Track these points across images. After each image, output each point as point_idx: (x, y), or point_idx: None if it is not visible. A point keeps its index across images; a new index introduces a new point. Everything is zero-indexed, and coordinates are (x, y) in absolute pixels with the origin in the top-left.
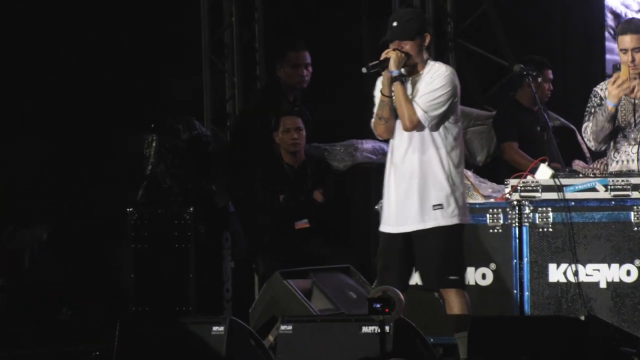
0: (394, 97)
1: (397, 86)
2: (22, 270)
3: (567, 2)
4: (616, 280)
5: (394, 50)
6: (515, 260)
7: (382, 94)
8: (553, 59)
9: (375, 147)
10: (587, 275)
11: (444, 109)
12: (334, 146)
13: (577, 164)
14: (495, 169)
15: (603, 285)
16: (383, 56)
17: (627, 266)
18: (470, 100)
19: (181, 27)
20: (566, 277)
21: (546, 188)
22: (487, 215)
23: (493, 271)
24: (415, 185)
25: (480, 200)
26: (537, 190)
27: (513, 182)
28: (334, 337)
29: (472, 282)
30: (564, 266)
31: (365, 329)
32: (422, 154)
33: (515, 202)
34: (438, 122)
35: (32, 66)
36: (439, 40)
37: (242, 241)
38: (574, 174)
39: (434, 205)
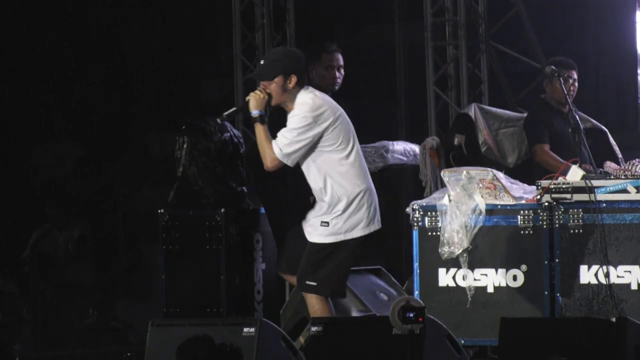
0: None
1: (257, 127)
2: (55, 271)
3: (598, 2)
4: None
5: (255, 91)
6: (546, 262)
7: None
8: (584, 59)
9: (406, 149)
10: (618, 276)
11: (300, 145)
12: (364, 148)
13: (609, 166)
14: (527, 171)
15: (634, 286)
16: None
17: None
18: (501, 101)
19: (213, 29)
20: (597, 279)
21: (577, 189)
22: (519, 216)
23: (524, 273)
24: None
25: (511, 201)
26: (568, 192)
27: (544, 183)
28: (365, 339)
29: (503, 284)
30: (595, 268)
31: (396, 331)
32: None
33: (546, 204)
34: (300, 157)
35: (66, 71)
36: (470, 42)
37: (273, 243)
38: (605, 175)
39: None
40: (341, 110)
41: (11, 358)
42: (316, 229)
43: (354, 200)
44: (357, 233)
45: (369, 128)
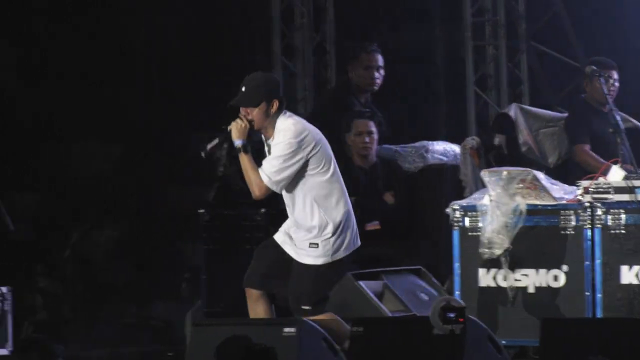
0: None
1: (242, 157)
2: (95, 271)
3: (638, 1)
4: None
5: (236, 120)
6: (587, 262)
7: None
8: (625, 59)
9: (446, 149)
10: None
11: (289, 172)
12: (405, 147)
13: None
14: (567, 171)
15: None
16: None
17: None
18: (541, 101)
19: (252, 28)
20: (638, 279)
21: (618, 190)
22: (559, 217)
23: (565, 273)
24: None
25: (552, 202)
26: (609, 192)
27: (585, 183)
28: (405, 339)
29: (544, 284)
30: (636, 268)
31: (436, 331)
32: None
33: (587, 204)
34: (287, 184)
35: (105, 68)
36: (510, 42)
37: None
38: None
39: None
40: (320, 134)
41: (55, 358)
42: (305, 251)
43: (340, 223)
44: (342, 254)
45: (409, 128)
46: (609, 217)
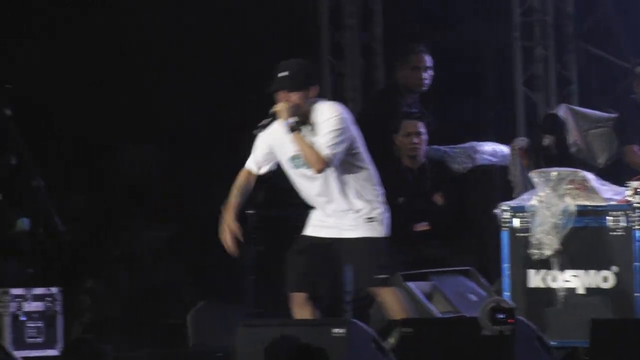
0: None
1: (296, 135)
2: (144, 271)
3: None
4: None
5: (280, 104)
6: (636, 263)
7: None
8: None
9: (495, 150)
10: None
11: (343, 146)
12: (453, 148)
13: None
14: (617, 172)
15: None
16: (272, 111)
17: None
18: (590, 102)
19: (301, 29)
20: None
21: None
22: (608, 217)
23: (615, 274)
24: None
25: (601, 202)
26: None
27: (634, 184)
28: (455, 340)
29: (593, 285)
30: None
31: (485, 332)
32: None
33: (636, 205)
34: (341, 159)
35: (153, 71)
36: (559, 42)
37: None
38: None
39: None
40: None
41: (104, 358)
42: (363, 227)
43: (383, 203)
44: (388, 232)
45: (457, 129)
46: None
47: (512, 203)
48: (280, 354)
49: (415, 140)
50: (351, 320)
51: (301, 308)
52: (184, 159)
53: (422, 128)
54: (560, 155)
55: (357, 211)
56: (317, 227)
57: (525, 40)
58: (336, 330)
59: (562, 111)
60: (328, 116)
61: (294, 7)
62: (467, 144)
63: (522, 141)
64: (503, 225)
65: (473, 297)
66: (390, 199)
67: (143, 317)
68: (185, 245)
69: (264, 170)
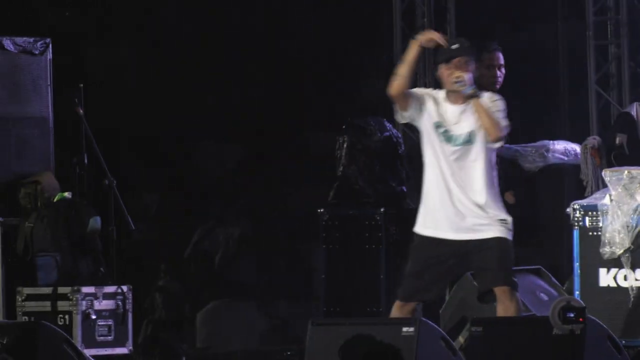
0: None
1: (476, 103)
2: (216, 270)
3: None
4: None
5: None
6: None
7: (416, 44)
8: None
9: (567, 148)
10: None
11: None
12: (525, 147)
13: None
14: None
15: None
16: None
17: None
18: None
19: (374, 28)
20: None
21: None
22: None
23: None
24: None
25: None
26: None
27: None
28: (525, 339)
29: None
30: None
31: (556, 331)
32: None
33: None
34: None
35: (224, 69)
36: (633, 40)
37: None
38: None
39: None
40: None
41: (178, 356)
42: (498, 226)
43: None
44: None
45: (530, 127)
46: None
47: (584, 202)
48: (352, 354)
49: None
50: (421, 319)
51: (398, 311)
52: (257, 157)
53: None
54: (633, 155)
55: (487, 209)
56: (444, 228)
57: (599, 38)
58: (406, 329)
59: (634, 110)
60: (496, 98)
61: (369, 7)
62: (539, 143)
63: (594, 140)
64: (574, 224)
65: (544, 296)
66: None
67: (215, 315)
68: (258, 243)
69: (407, 110)
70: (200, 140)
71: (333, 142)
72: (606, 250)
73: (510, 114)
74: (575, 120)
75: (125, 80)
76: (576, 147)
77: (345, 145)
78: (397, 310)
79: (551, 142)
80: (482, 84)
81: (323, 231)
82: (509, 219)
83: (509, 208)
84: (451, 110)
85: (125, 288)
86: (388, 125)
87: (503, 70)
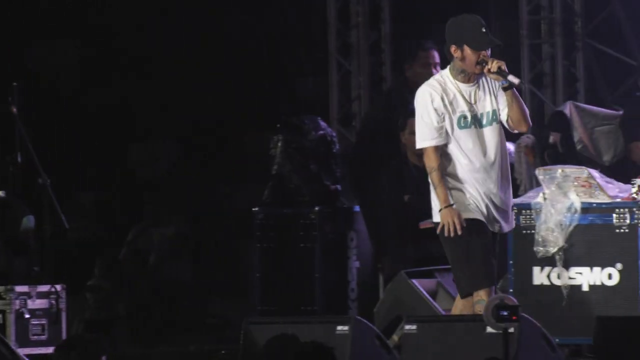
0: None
1: (512, 94)
2: (150, 269)
3: None
4: None
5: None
6: None
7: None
8: None
9: None
10: None
11: None
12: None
13: None
14: (622, 169)
15: None
16: (495, 66)
17: None
18: (597, 99)
19: (308, 27)
20: None
21: None
22: (614, 215)
23: (619, 271)
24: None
25: (607, 200)
26: None
27: None
28: (458, 337)
29: (598, 282)
30: None
31: (489, 329)
32: (501, 152)
33: None
34: None
35: (162, 69)
36: (566, 39)
37: (367, 241)
38: None
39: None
40: None
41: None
42: (511, 214)
43: None
44: None
45: None
46: None
47: (517, 201)
48: (286, 352)
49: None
50: (356, 317)
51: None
52: (192, 156)
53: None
54: (566, 153)
55: (508, 192)
56: (481, 221)
57: (533, 38)
58: (340, 327)
59: (568, 109)
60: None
61: (302, 6)
62: None
63: (527, 139)
64: None
65: None
66: (397, 197)
67: (150, 314)
68: (193, 242)
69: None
70: (136, 139)
71: (268, 141)
72: (540, 249)
73: None
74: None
75: (61, 78)
76: (510, 146)
77: (279, 144)
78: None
79: None
80: (419, 82)
81: (258, 230)
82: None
83: None
84: (466, 90)
85: (59, 287)
86: (322, 124)
87: (439, 68)
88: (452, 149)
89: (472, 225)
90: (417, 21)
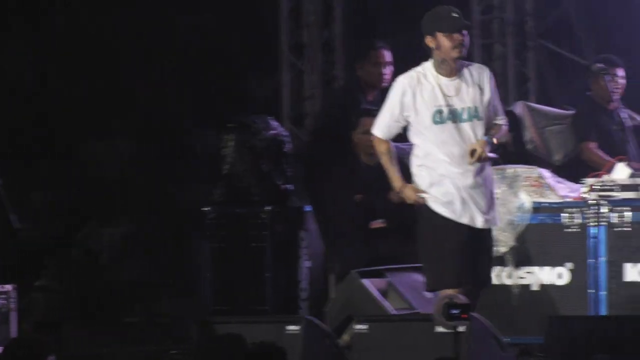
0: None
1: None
2: (100, 268)
3: None
4: None
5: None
6: (591, 260)
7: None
8: (634, 56)
9: None
10: None
11: None
12: (406, 146)
13: None
14: (573, 169)
15: None
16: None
17: None
18: (548, 99)
19: (261, 26)
20: None
21: (624, 187)
22: (564, 214)
23: (569, 271)
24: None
25: (557, 199)
26: (614, 190)
27: (590, 181)
28: (409, 337)
29: (548, 282)
30: None
31: (439, 329)
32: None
33: (592, 202)
34: None
35: (112, 68)
36: (518, 39)
37: (318, 240)
38: None
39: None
40: None
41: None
42: (494, 212)
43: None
44: None
45: None
46: (614, 214)
47: None
48: (237, 352)
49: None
50: (306, 317)
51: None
52: (143, 155)
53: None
54: (517, 153)
55: (490, 188)
56: (469, 216)
57: (484, 37)
58: (291, 327)
59: (519, 108)
60: (485, 68)
61: (254, 5)
62: None
63: None
64: None
65: (428, 294)
66: (348, 196)
67: (101, 314)
68: (144, 242)
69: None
70: (86, 138)
71: (219, 140)
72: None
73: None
74: None
75: (11, 78)
76: None
77: (231, 144)
78: None
79: None
80: (369, 81)
81: (209, 229)
82: None
83: (395, 206)
84: (446, 84)
85: (9, 287)
86: (274, 123)
87: (390, 67)
88: (429, 143)
89: (445, 225)
90: (369, 20)
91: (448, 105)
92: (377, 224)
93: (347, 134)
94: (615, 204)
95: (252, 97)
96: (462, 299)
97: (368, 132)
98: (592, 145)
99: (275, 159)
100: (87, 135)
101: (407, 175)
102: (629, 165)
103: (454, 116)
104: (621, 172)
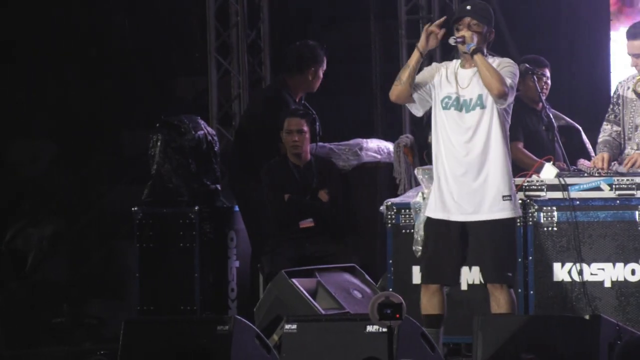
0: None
1: (479, 57)
2: (27, 269)
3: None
4: (621, 279)
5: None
6: (519, 259)
7: (417, 49)
8: (558, 57)
9: (380, 147)
10: (591, 274)
11: (515, 90)
12: (339, 146)
13: (582, 163)
14: None
15: (608, 284)
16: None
17: (632, 265)
18: None
19: (188, 27)
20: (571, 277)
21: (551, 187)
22: None
23: None
24: (483, 173)
25: None
26: (542, 190)
27: (518, 181)
28: (339, 337)
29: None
30: (568, 265)
31: (370, 328)
32: (487, 139)
33: (519, 201)
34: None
35: (38, 67)
36: (444, 39)
37: (247, 240)
38: (579, 173)
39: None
40: None
41: None
42: (499, 206)
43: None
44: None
45: (344, 126)
46: (542, 214)
47: (397, 200)
48: (167, 352)
49: (296, 137)
50: (235, 317)
51: (432, 296)
52: (71, 155)
53: (304, 125)
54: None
55: (499, 184)
56: (447, 212)
57: (411, 37)
58: (220, 327)
59: None
60: (509, 62)
61: (181, 5)
62: (353, 141)
63: (406, 138)
64: (387, 222)
65: (357, 294)
66: (276, 196)
67: (27, 314)
68: (72, 242)
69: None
70: (13, 138)
71: (147, 140)
72: (419, 248)
73: (323, 113)
74: (388, 119)
75: None
76: (389, 146)
77: (159, 144)
78: None
79: (364, 140)
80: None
81: (137, 230)
82: (513, 194)
83: (324, 206)
84: (462, 75)
85: None
86: (202, 123)
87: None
88: (435, 128)
89: (433, 225)
90: (296, 20)
91: (456, 93)
92: (306, 223)
93: (275, 133)
94: (542, 203)
95: (181, 98)
96: (397, 298)
97: (291, 133)
98: (519, 145)
99: (203, 159)
100: (13, 135)
101: (345, 179)
102: (556, 165)
103: (459, 105)
104: (548, 172)
